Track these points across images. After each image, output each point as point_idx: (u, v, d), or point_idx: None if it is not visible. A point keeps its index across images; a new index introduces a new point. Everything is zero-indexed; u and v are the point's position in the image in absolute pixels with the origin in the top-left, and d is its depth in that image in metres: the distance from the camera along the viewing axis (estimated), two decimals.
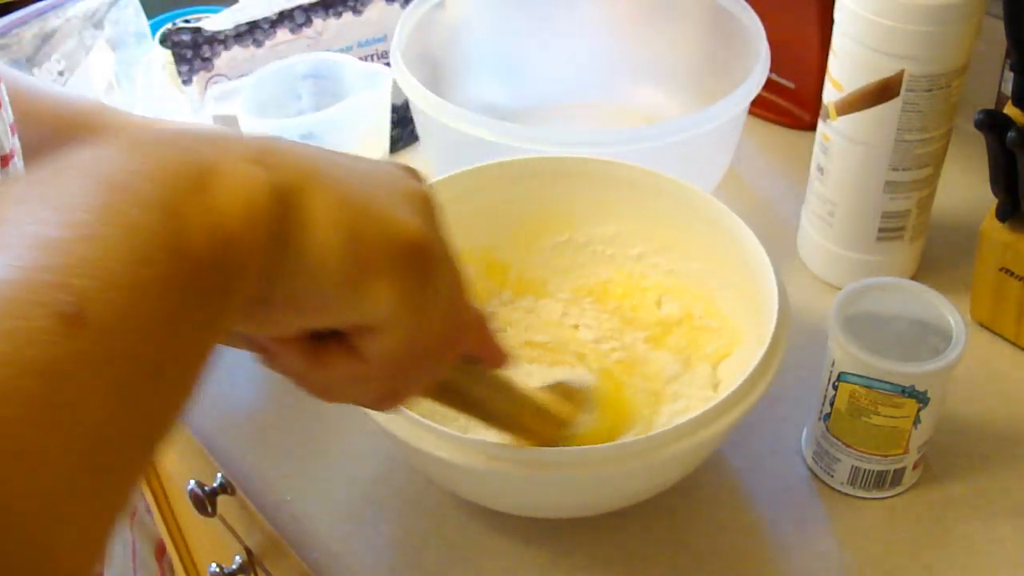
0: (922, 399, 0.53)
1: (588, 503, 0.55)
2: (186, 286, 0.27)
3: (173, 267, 0.27)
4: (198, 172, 0.29)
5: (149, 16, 0.89)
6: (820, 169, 0.68)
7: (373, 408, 0.41)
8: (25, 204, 0.26)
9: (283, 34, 0.79)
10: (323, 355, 0.36)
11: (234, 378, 0.67)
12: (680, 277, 0.64)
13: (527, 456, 0.48)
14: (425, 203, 0.36)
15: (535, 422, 0.50)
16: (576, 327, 0.64)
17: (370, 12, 0.81)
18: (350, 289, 0.33)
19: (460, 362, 0.43)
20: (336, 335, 0.35)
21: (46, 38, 0.81)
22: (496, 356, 0.44)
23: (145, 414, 0.27)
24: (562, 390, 0.52)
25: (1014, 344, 0.66)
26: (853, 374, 0.54)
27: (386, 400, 0.40)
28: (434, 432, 0.49)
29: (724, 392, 0.51)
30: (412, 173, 0.37)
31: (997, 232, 0.63)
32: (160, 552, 0.61)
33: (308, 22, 0.79)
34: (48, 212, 0.26)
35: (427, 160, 0.77)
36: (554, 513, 0.56)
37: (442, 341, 0.38)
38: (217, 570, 0.78)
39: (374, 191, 0.34)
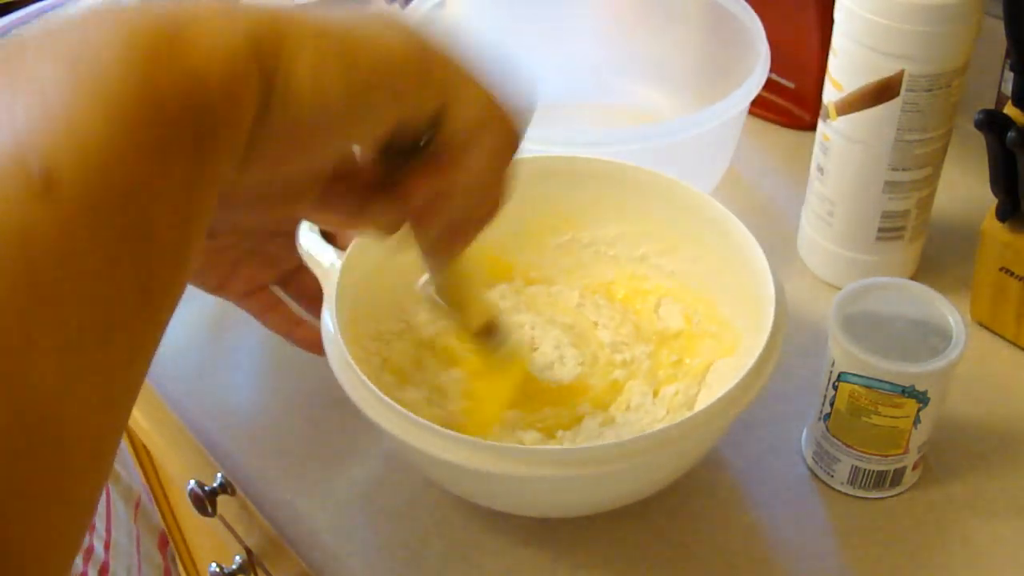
0: (922, 399, 0.53)
1: (584, 502, 0.55)
2: (166, 147, 0.26)
3: (149, 133, 0.26)
4: (169, 36, 0.27)
5: None
6: (820, 169, 0.68)
7: (444, 252, 0.42)
8: None
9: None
10: (417, 174, 0.36)
11: (234, 378, 0.67)
12: (681, 278, 0.64)
13: (526, 456, 0.48)
14: (407, 30, 0.35)
15: (479, 325, 0.51)
16: (595, 324, 0.64)
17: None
18: (353, 115, 0.32)
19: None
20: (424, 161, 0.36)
21: None
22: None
23: (143, 279, 0.26)
24: (493, 319, 0.54)
25: (1014, 344, 0.66)
26: (853, 374, 0.54)
27: (472, 227, 0.41)
28: (433, 432, 0.49)
29: (721, 391, 0.51)
30: (391, 17, 0.36)
31: (997, 232, 0.63)
32: (163, 544, 0.62)
33: None
34: (9, 93, 0.25)
35: None
36: (551, 512, 0.56)
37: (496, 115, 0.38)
38: (217, 570, 0.78)
39: (357, 23, 0.33)
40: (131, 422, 0.90)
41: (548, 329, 0.62)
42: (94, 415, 0.24)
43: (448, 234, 0.41)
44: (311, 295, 0.55)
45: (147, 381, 0.70)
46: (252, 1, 0.31)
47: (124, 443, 0.63)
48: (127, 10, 0.28)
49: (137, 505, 0.59)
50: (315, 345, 0.53)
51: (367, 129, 0.34)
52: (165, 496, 1.05)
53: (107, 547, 0.52)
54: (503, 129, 0.37)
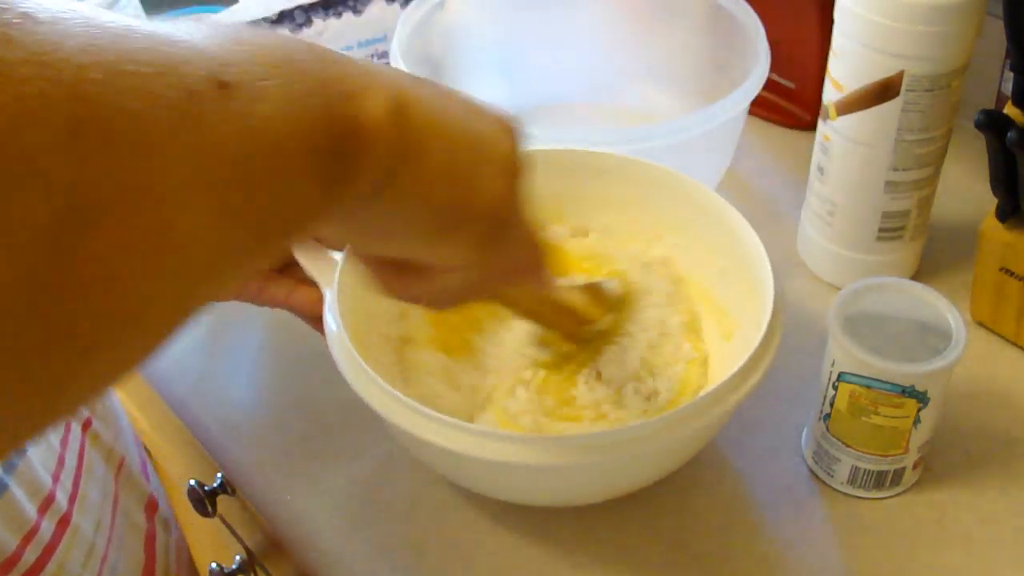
0: (922, 399, 0.53)
1: (582, 492, 0.55)
2: (312, 150, 0.30)
3: (308, 125, 0.29)
4: (349, 91, 0.32)
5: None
6: (820, 169, 0.68)
7: (423, 304, 0.46)
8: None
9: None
10: (399, 269, 0.40)
11: (234, 378, 0.67)
12: (680, 268, 0.64)
13: (525, 444, 0.48)
14: (514, 167, 0.39)
15: (556, 316, 0.57)
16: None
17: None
18: (433, 237, 0.37)
19: None
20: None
21: None
22: (547, 282, 0.48)
23: (255, 226, 0.28)
24: (592, 291, 0.60)
25: (1014, 344, 0.66)
26: (853, 374, 0.54)
27: (446, 303, 0.44)
28: (434, 420, 0.49)
29: (720, 380, 0.51)
30: (509, 130, 0.40)
31: (997, 232, 0.63)
32: (152, 509, 0.62)
33: (308, 22, 0.79)
34: (227, 43, 0.28)
35: None
36: (549, 501, 0.56)
37: (500, 280, 0.44)
38: (217, 570, 0.78)
39: (478, 148, 0.37)
40: (131, 422, 0.90)
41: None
42: (195, 260, 0.27)
43: (430, 304, 0.45)
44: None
45: (147, 381, 0.70)
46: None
47: (115, 414, 0.63)
48: (324, 57, 0.32)
49: (120, 467, 0.60)
50: (315, 306, 0.56)
51: (419, 250, 0.38)
52: (165, 496, 1.05)
53: (72, 500, 0.53)
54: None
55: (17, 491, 0.49)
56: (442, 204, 0.36)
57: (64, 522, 0.52)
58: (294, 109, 0.29)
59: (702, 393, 0.49)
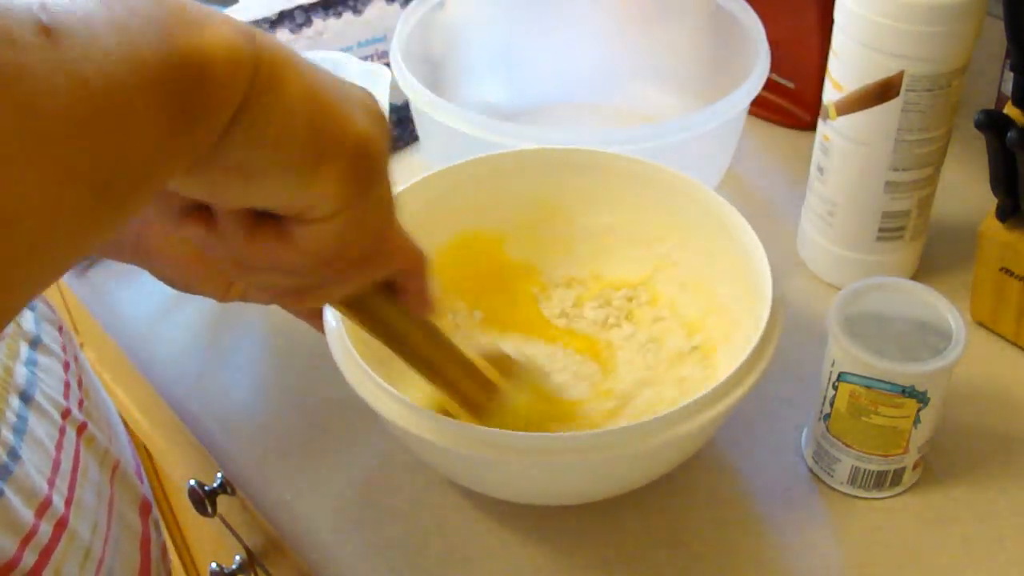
0: (922, 399, 0.53)
1: (580, 491, 0.55)
2: (155, 81, 0.28)
3: (148, 58, 0.28)
4: (192, 18, 0.30)
5: None
6: (820, 169, 0.68)
7: (282, 304, 0.43)
8: None
9: (283, 34, 0.79)
10: (258, 231, 0.37)
11: (234, 378, 0.67)
12: (679, 267, 0.64)
13: (519, 442, 0.48)
14: (382, 120, 0.38)
15: (460, 377, 0.51)
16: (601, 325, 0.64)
17: (370, 12, 0.81)
18: (300, 170, 0.35)
19: (389, 294, 0.45)
20: (273, 219, 0.37)
21: None
22: (422, 298, 0.46)
23: (99, 177, 0.27)
24: (498, 359, 0.54)
25: (1014, 344, 0.66)
26: (853, 374, 0.54)
27: (297, 296, 0.41)
28: (430, 418, 0.49)
29: (720, 378, 0.51)
30: (368, 93, 0.39)
31: (997, 232, 0.63)
32: (146, 511, 0.62)
33: (308, 22, 0.79)
34: None
35: (427, 160, 0.77)
36: (548, 500, 0.56)
37: (371, 251, 0.40)
38: (217, 570, 0.78)
39: (340, 92, 0.36)
40: (131, 422, 0.90)
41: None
42: (34, 227, 0.25)
43: (289, 296, 0.42)
44: None
45: (147, 381, 0.70)
46: None
47: (108, 416, 0.63)
48: None
49: (115, 469, 0.60)
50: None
51: (285, 191, 0.35)
52: (165, 496, 1.05)
53: (68, 503, 0.53)
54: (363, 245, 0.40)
55: (13, 497, 0.49)
56: (306, 132, 0.34)
57: (61, 525, 0.52)
58: (130, 44, 0.28)
59: (700, 393, 0.49)
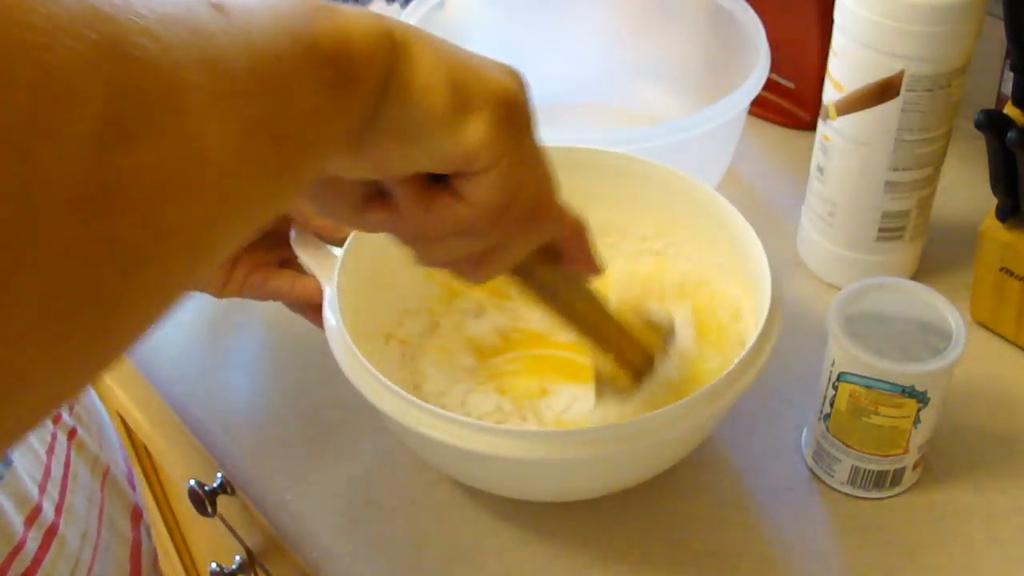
0: (922, 399, 0.53)
1: (577, 487, 0.55)
2: (309, 54, 0.31)
3: (301, 34, 0.31)
4: (328, 5, 0.34)
5: None
6: (820, 169, 0.68)
7: (465, 276, 0.45)
8: None
9: None
10: (432, 196, 0.40)
11: (234, 378, 0.67)
12: (678, 266, 0.64)
13: (519, 439, 0.48)
14: (519, 77, 0.40)
15: (620, 338, 0.53)
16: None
17: None
18: (450, 122, 0.37)
19: (556, 262, 0.47)
20: (443, 184, 0.40)
21: None
22: (589, 260, 0.48)
23: (272, 123, 0.30)
24: (648, 322, 0.55)
25: (1014, 344, 0.66)
26: (853, 374, 0.54)
27: (480, 265, 0.43)
28: (432, 414, 0.49)
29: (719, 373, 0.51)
30: (506, 64, 0.41)
31: (997, 232, 0.63)
32: (136, 517, 0.62)
33: None
34: None
35: None
36: (543, 496, 0.56)
37: (538, 208, 0.42)
38: (217, 570, 0.78)
39: (472, 54, 0.39)
40: (131, 422, 0.90)
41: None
42: (238, 191, 0.28)
43: (473, 266, 0.44)
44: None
45: (147, 381, 0.70)
46: None
47: (99, 422, 0.63)
48: None
49: (105, 475, 0.59)
50: (318, 297, 0.56)
51: (442, 145, 0.38)
52: (165, 496, 1.05)
53: (58, 510, 0.53)
54: (528, 198, 0.41)
55: (4, 503, 0.49)
56: (447, 87, 0.37)
57: (50, 533, 0.51)
58: (284, 24, 0.31)
59: (697, 391, 0.49)
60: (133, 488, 0.64)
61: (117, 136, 0.24)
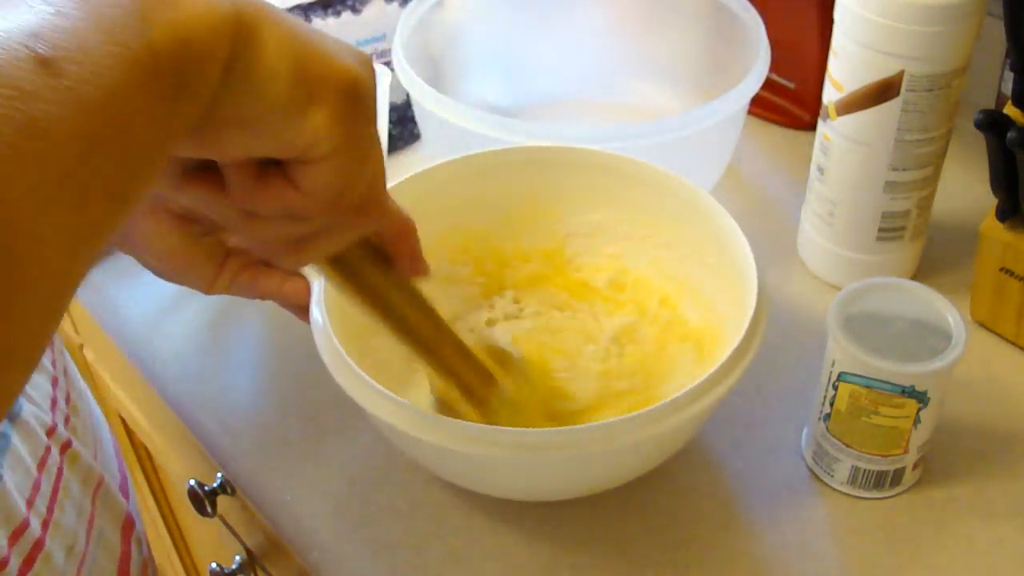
0: (922, 399, 0.53)
1: (563, 487, 0.55)
2: (148, 72, 0.30)
3: (138, 53, 0.29)
4: (162, 1, 0.31)
5: None
6: (820, 169, 0.68)
7: (278, 259, 0.44)
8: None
9: None
10: (265, 178, 0.39)
11: (234, 378, 0.67)
12: (664, 265, 0.64)
13: (503, 438, 0.48)
14: (368, 63, 0.39)
15: (456, 360, 0.51)
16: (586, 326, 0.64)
17: (369, 12, 0.81)
18: (292, 111, 0.36)
19: (381, 261, 0.46)
20: (278, 166, 0.39)
21: None
22: (415, 260, 0.47)
23: (106, 172, 0.28)
24: (495, 352, 0.54)
25: (1014, 344, 0.66)
26: (853, 374, 0.54)
27: (297, 250, 0.43)
28: (415, 414, 0.49)
29: (705, 374, 0.50)
30: (358, 49, 0.40)
31: (997, 232, 0.63)
32: (128, 528, 0.61)
33: (307, 21, 0.79)
34: (30, 4, 0.28)
35: (428, 158, 0.77)
36: (524, 495, 0.56)
37: (367, 200, 0.41)
38: (217, 570, 0.78)
39: (324, 39, 0.38)
40: (131, 422, 0.90)
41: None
42: (56, 256, 0.26)
43: (288, 250, 0.44)
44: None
45: (147, 381, 0.70)
46: None
47: (95, 431, 0.62)
48: None
49: (98, 487, 0.59)
50: (306, 297, 0.56)
51: (282, 133, 0.37)
52: (165, 496, 1.05)
53: (45, 525, 0.52)
54: (357, 190, 0.41)
55: None
56: (292, 74, 0.35)
57: (36, 549, 0.51)
58: (116, 42, 0.29)
59: (679, 392, 0.49)
60: (127, 497, 0.63)
61: None
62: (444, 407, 0.54)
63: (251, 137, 0.36)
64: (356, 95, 0.38)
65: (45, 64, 0.26)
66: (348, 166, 0.39)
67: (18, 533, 0.50)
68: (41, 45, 0.26)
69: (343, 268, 0.46)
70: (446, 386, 0.52)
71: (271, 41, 0.35)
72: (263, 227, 0.41)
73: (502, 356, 0.55)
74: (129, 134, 0.29)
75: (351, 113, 0.38)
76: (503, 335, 0.61)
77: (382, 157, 0.42)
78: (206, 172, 0.40)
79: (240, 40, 0.34)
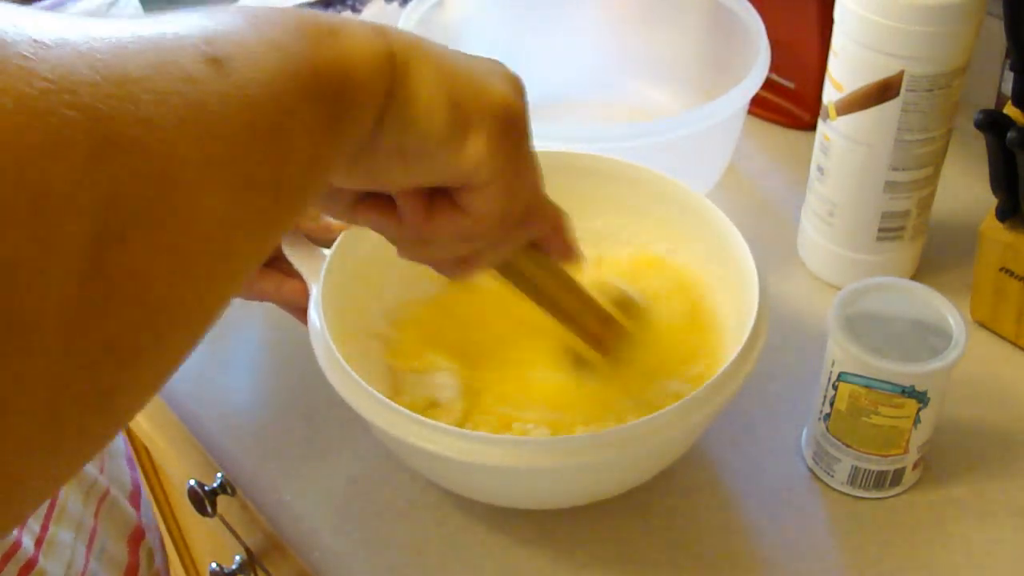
0: (922, 399, 0.53)
1: (562, 496, 0.55)
2: (309, 89, 0.31)
3: (301, 68, 0.31)
4: (329, 29, 0.33)
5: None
6: (820, 169, 0.68)
7: (447, 272, 0.45)
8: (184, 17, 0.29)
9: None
10: (434, 207, 0.41)
11: (234, 378, 0.67)
12: (667, 272, 0.64)
13: (498, 446, 0.48)
14: (517, 84, 0.41)
15: (596, 324, 0.54)
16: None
17: (369, 12, 0.81)
18: (451, 142, 0.37)
19: (533, 251, 0.48)
20: (445, 193, 0.40)
21: None
22: (568, 249, 0.49)
23: (264, 169, 0.29)
24: (621, 300, 0.56)
25: (1014, 344, 0.66)
26: (853, 374, 0.54)
27: (466, 264, 0.44)
28: (411, 420, 0.49)
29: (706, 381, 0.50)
30: (496, 61, 0.41)
31: (997, 232, 0.63)
32: (136, 540, 0.61)
33: None
34: (203, 19, 0.29)
35: None
36: (530, 504, 0.56)
37: (530, 210, 0.43)
38: (217, 570, 0.78)
39: (472, 65, 0.39)
40: (131, 422, 0.90)
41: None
42: (216, 233, 0.27)
43: (457, 265, 0.45)
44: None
45: None
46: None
47: (115, 442, 0.62)
48: (294, 9, 0.33)
49: (102, 500, 0.58)
50: (304, 298, 0.56)
51: (443, 164, 0.38)
52: (165, 496, 1.05)
53: (38, 544, 0.51)
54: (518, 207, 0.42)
55: None
56: (448, 106, 0.37)
57: (27, 568, 0.50)
58: (283, 59, 0.30)
59: (679, 401, 0.49)
60: (138, 507, 0.62)
61: (110, 239, 0.23)
62: (582, 362, 0.56)
63: (413, 168, 0.38)
64: (510, 119, 0.39)
65: (216, 63, 0.27)
66: (510, 187, 0.40)
67: (10, 554, 0.49)
68: (213, 47, 0.28)
69: (505, 269, 0.48)
70: (583, 342, 0.54)
71: (425, 76, 0.36)
72: (436, 250, 0.43)
73: (630, 305, 0.57)
74: (289, 140, 0.30)
75: (507, 137, 0.39)
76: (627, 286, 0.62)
77: (538, 165, 0.43)
78: (379, 199, 0.41)
79: (396, 75, 0.35)
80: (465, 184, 0.39)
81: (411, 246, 0.43)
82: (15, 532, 0.50)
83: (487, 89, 0.38)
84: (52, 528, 0.53)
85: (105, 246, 0.23)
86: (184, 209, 0.25)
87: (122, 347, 0.24)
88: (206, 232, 0.26)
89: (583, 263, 0.50)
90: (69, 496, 0.55)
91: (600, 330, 0.54)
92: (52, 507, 0.54)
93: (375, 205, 0.42)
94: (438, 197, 0.40)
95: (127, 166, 0.24)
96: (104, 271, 0.23)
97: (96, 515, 0.57)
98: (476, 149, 0.38)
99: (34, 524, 0.52)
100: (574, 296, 0.52)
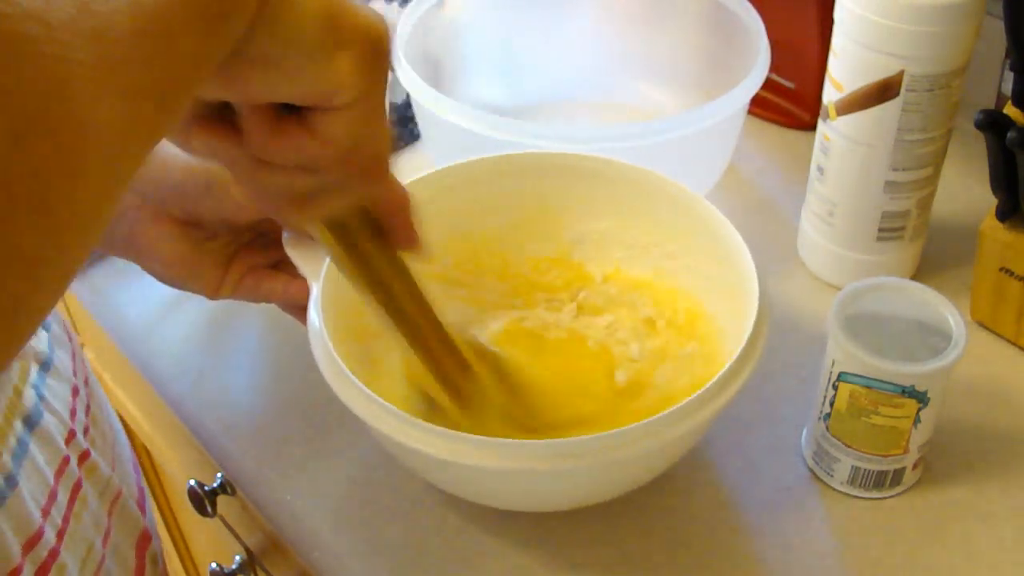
0: (922, 399, 0.53)
1: (563, 497, 0.55)
2: (192, 6, 0.31)
3: None
4: None
5: None
6: (820, 169, 0.68)
7: (283, 215, 0.44)
8: None
9: None
10: (282, 123, 0.40)
11: (234, 378, 0.67)
12: (667, 273, 0.64)
13: (497, 449, 0.48)
14: (382, 18, 0.40)
15: (436, 342, 0.52)
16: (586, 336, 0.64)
17: None
18: (319, 54, 0.37)
19: (378, 234, 0.47)
20: (295, 113, 0.39)
21: None
22: (411, 233, 0.48)
23: (154, 71, 0.29)
24: (476, 346, 0.54)
25: (1014, 344, 0.66)
26: (853, 374, 0.54)
27: (303, 205, 0.43)
28: (405, 422, 0.49)
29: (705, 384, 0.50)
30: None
31: (997, 232, 0.63)
32: (143, 544, 0.61)
33: None
34: None
35: (428, 158, 0.77)
36: (530, 507, 0.56)
37: (377, 161, 0.42)
38: (217, 570, 0.78)
39: None
40: (131, 422, 0.90)
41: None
42: (110, 144, 0.27)
43: (293, 204, 0.44)
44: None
45: (147, 381, 0.70)
46: None
47: (114, 443, 0.62)
48: None
49: (115, 501, 0.59)
50: (306, 299, 0.56)
51: (307, 77, 0.38)
52: (165, 496, 1.05)
53: (60, 535, 0.52)
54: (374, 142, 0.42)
55: (4, 526, 0.48)
56: (322, 20, 0.37)
57: (50, 559, 0.50)
58: None
59: (676, 405, 0.49)
60: (143, 512, 0.63)
61: (9, 138, 0.23)
62: (417, 392, 0.54)
63: (276, 77, 0.37)
64: (380, 48, 0.39)
65: None
66: (365, 119, 0.40)
67: (32, 542, 0.49)
68: None
69: (340, 233, 0.46)
70: (423, 369, 0.52)
71: None
72: (272, 177, 0.42)
73: (482, 351, 0.55)
74: (175, 43, 0.30)
75: (374, 64, 0.39)
76: (487, 332, 0.61)
77: (390, 125, 0.43)
78: (220, 118, 0.41)
79: None
80: (322, 102, 0.39)
81: (248, 173, 0.42)
82: (39, 520, 0.50)
83: (363, 13, 0.38)
84: (73, 521, 0.53)
85: (4, 145, 0.23)
86: (79, 113, 0.25)
87: (24, 257, 0.24)
88: (100, 139, 0.26)
89: (425, 253, 0.49)
90: (88, 491, 0.55)
91: (448, 364, 0.52)
92: (73, 500, 0.54)
93: (216, 125, 0.41)
94: (288, 116, 0.40)
95: (25, 64, 0.24)
96: (3, 176, 0.23)
97: (110, 514, 0.57)
98: (344, 66, 0.38)
99: (56, 515, 0.52)
100: (412, 295, 0.50)
